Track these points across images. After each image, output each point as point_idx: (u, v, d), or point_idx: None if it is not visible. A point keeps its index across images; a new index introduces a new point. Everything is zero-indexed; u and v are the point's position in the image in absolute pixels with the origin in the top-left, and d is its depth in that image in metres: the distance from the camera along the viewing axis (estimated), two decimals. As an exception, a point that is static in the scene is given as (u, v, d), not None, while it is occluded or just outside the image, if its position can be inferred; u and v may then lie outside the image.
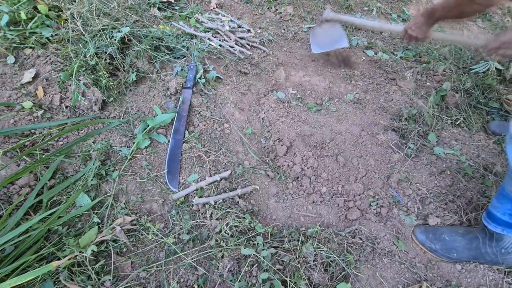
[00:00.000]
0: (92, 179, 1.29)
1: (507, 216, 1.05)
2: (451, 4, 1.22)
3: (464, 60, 1.98)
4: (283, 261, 1.14)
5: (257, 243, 1.16)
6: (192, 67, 1.64)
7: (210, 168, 1.38)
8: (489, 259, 1.15)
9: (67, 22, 1.63)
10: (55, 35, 1.63)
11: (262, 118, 1.62)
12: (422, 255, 1.22)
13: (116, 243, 1.16)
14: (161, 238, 1.18)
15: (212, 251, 1.16)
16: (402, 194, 1.36)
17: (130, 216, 1.23)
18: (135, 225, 1.21)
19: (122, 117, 1.54)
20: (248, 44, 1.99)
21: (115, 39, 1.57)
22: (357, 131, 1.57)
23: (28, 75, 1.52)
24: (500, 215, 1.07)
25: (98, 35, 1.58)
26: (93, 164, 1.32)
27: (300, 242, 1.19)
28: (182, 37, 1.83)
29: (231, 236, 1.18)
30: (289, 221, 1.30)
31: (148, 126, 1.45)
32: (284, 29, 2.22)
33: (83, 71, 1.50)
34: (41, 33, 1.61)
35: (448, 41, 1.79)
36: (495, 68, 1.80)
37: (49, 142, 1.41)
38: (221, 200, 1.28)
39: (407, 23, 1.45)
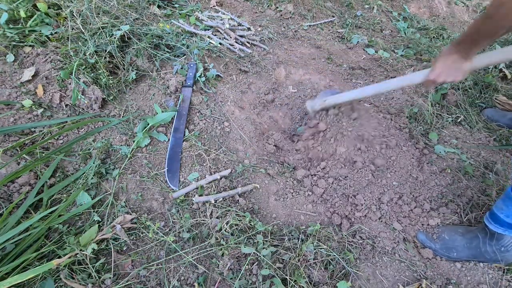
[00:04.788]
0: (92, 178, 1.29)
1: (511, 218, 1.05)
2: (493, 30, 0.92)
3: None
4: (283, 259, 1.14)
5: (257, 242, 1.16)
6: (192, 65, 1.64)
7: (210, 167, 1.38)
8: (488, 257, 1.15)
9: (66, 20, 1.62)
10: (55, 33, 1.62)
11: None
12: (422, 253, 1.22)
13: (116, 241, 1.16)
14: (162, 236, 1.19)
15: (212, 250, 1.16)
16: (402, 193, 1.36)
17: (131, 214, 1.23)
18: (135, 223, 1.22)
19: (122, 115, 1.54)
20: (248, 42, 1.98)
21: (114, 37, 1.56)
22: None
23: (27, 74, 1.51)
24: (504, 217, 1.07)
25: (98, 33, 1.57)
26: (93, 163, 1.32)
27: (300, 240, 1.19)
28: (182, 35, 1.82)
29: (231, 234, 1.18)
30: (289, 219, 1.30)
31: (148, 124, 1.45)
32: (284, 27, 2.21)
33: (83, 69, 1.50)
34: (40, 31, 1.60)
35: (494, 63, 1.20)
36: (494, 66, 1.80)
37: (49, 141, 1.41)
38: (221, 199, 1.28)
39: (432, 69, 1.10)
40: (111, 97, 1.57)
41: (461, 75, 1.07)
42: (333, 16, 2.44)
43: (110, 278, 1.07)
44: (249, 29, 2.07)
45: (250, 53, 1.91)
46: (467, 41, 1.00)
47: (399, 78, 1.27)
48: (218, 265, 1.13)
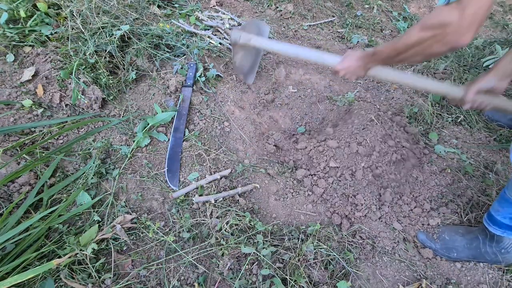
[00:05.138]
0: (92, 178, 1.29)
1: (507, 220, 1.05)
2: (402, 48, 0.95)
3: (465, 58, 1.98)
4: (283, 259, 1.14)
5: (257, 241, 1.16)
6: (192, 65, 1.64)
7: (210, 167, 1.38)
8: (488, 258, 1.15)
9: (66, 20, 1.62)
10: (55, 33, 1.62)
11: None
12: (422, 253, 1.22)
13: (116, 241, 1.16)
14: (162, 236, 1.19)
15: (212, 249, 1.16)
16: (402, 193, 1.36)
17: (131, 214, 1.23)
18: (135, 223, 1.22)
19: (122, 115, 1.54)
20: (248, 42, 1.98)
21: (114, 37, 1.56)
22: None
23: (27, 73, 1.51)
24: (501, 219, 1.07)
25: (98, 33, 1.57)
26: (93, 163, 1.32)
27: (300, 240, 1.19)
28: (182, 35, 1.82)
29: (231, 234, 1.18)
30: (289, 219, 1.30)
31: (148, 124, 1.45)
32: (284, 27, 2.21)
33: (83, 69, 1.50)
34: (40, 31, 1.60)
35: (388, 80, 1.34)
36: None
37: (49, 141, 1.41)
38: (221, 199, 1.28)
39: (341, 61, 1.20)
40: (111, 97, 1.56)
41: (355, 77, 1.21)
42: (333, 16, 2.44)
43: (110, 278, 1.07)
44: (249, 29, 2.06)
45: (250, 53, 1.91)
46: (377, 58, 1.09)
47: (320, 53, 1.33)
48: (218, 265, 1.13)
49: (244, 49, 1.50)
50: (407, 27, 2.47)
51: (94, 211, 1.23)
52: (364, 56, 1.13)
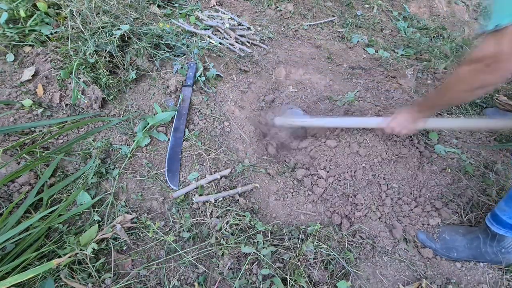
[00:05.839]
0: (92, 177, 1.29)
1: None
2: (450, 86, 1.02)
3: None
4: (283, 259, 1.14)
5: (257, 241, 1.16)
6: (192, 65, 1.64)
7: (210, 166, 1.38)
8: (489, 258, 1.15)
9: (66, 19, 1.62)
10: (55, 32, 1.62)
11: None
12: (422, 253, 1.22)
13: (116, 241, 1.16)
14: (162, 236, 1.19)
15: (212, 249, 1.16)
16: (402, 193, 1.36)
17: (131, 214, 1.23)
18: (135, 223, 1.22)
19: (122, 115, 1.54)
20: (248, 42, 1.98)
21: (114, 37, 1.56)
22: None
23: (27, 73, 1.51)
24: (506, 219, 1.06)
25: (98, 32, 1.57)
26: (93, 162, 1.32)
27: (300, 240, 1.19)
28: (182, 34, 1.82)
29: (231, 234, 1.18)
30: (289, 219, 1.30)
31: (148, 124, 1.45)
32: (284, 27, 2.21)
33: (83, 69, 1.50)
34: (40, 30, 1.60)
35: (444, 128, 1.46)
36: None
37: (49, 140, 1.41)
38: (221, 198, 1.28)
39: (390, 121, 1.25)
40: (111, 97, 1.56)
41: (412, 131, 1.26)
42: (333, 16, 2.43)
43: (110, 277, 1.07)
44: (249, 28, 2.06)
45: (250, 52, 1.91)
46: (425, 106, 1.17)
47: (362, 119, 1.45)
48: (218, 264, 1.13)
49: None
50: (407, 27, 2.47)
51: (94, 211, 1.23)
52: (411, 112, 1.20)
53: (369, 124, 1.38)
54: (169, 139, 1.45)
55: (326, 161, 1.41)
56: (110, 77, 1.55)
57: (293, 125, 1.51)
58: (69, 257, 1.05)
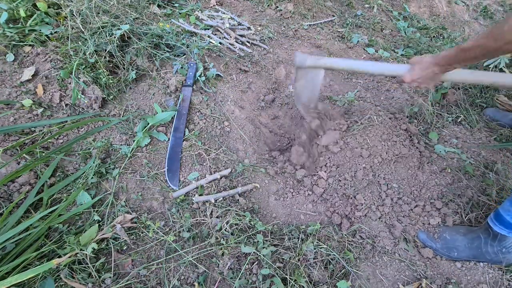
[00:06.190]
0: (92, 177, 1.29)
1: None
2: (482, 54, 0.92)
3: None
4: (283, 258, 1.14)
5: (257, 241, 1.16)
6: (192, 65, 1.64)
7: (210, 166, 1.38)
8: (489, 258, 1.15)
9: (66, 19, 1.62)
10: (55, 32, 1.62)
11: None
12: (422, 252, 1.22)
13: (116, 241, 1.16)
14: (162, 236, 1.19)
15: (212, 249, 1.16)
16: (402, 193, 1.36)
17: (131, 214, 1.23)
18: (135, 223, 1.22)
19: (122, 115, 1.54)
20: (248, 42, 1.98)
21: (114, 37, 1.56)
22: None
23: (27, 73, 1.51)
24: (510, 219, 1.06)
25: (98, 32, 1.57)
26: (93, 162, 1.32)
27: (300, 240, 1.19)
28: (182, 34, 1.82)
29: (231, 234, 1.18)
30: (289, 219, 1.30)
31: (148, 124, 1.45)
32: (284, 27, 2.21)
33: (83, 68, 1.50)
34: (40, 30, 1.60)
35: (471, 82, 1.25)
36: (494, 66, 1.79)
37: (49, 140, 1.41)
38: (221, 198, 1.28)
39: (410, 69, 1.13)
40: (111, 97, 1.56)
41: (432, 84, 1.12)
42: (333, 16, 2.43)
43: (110, 277, 1.07)
44: (249, 28, 2.06)
45: (250, 52, 1.91)
46: (456, 59, 1.01)
47: (386, 64, 1.33)
48: (218, 264, 1.13)
49: (306, 76, 1.43)
50: (407, 27, 2.47)
51: (94, 210, 1.23)
52: (436, 64, 1.06)
53: (391, 71, 1.27)
54: (169, 139, 1.45)
55: (326, 165, 1.41)
56: (110, 77, 1.55)
57: (316, 65, 1.34)
58: (69, 257, 1.05)
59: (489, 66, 1.80)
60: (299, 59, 1.35)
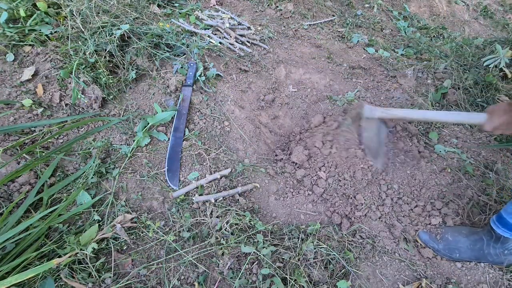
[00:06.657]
0: (92, 177, 1.29)
1: None
2: None
3: (465, 58, 1.97)
4: (283, 258, 1.14)
5: (257, 241, 1.16)
6: (192, 64, 1.64)
7: (210, 166, 1.38)
8: (491, 259, 1.15)
9: (66, 19, 1.62)
10: (55, 32, 1.62)
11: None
12: (422, 252, 1.22)
13: (116, 240, 1.16)
14: (162, 235, 1.19)
15: (212, 249, 1.16)
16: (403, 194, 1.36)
17: (131, 213, 1.23)
18: (135, 222, 1.22)
19: (122, 115, 1.54)
20: (248, 42, 1.98)
21: (114, 37, 1.56)
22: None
23: (27, 73, 1.51)
24: None
25: (98, 32, 1.57)
26: (93, 162, 1.32)
27: (300, 239, 1.19)
28: (182, 34, 1.82)
29: (231, 233, 1.18)
30: (289, 218, 1.30)
31: (148, 124, 1.45)
32: (284, 27, 2.21)
33: (83, 68, 1.50)
34: (40, 30, 1.60)
35: None
36: (495, 66, 1.79)
37: (49, 140, 1.41)
38: (221, 198, 1.28)
39: (489, 118, 1.10)
40: (111, 97, 1.56)
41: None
42: (333, 16, 2.43)
43: (110, 277, 1.07)
44: (249, 28, 2.06)
45: (250, 52, 1.91)
46: None
47: (459, 113, 1.28)
48: (218, 264, 1.13)
49: (373, 128, 1.43)
50: (407, 27, 2.47)
51: (94, 210, 1.23)
52: (510, 106, 1.04)
53: (469, 120, 1.25)
54: (169, 139, 1.45)
55: (325, 165, 1.41)
56: (110, 76, 1.55)
57: (385, 116, 1.33)
58: (69, 256, 1.05)
59: (489, 66, 1.80)
60: (368, 110, 1.35)
